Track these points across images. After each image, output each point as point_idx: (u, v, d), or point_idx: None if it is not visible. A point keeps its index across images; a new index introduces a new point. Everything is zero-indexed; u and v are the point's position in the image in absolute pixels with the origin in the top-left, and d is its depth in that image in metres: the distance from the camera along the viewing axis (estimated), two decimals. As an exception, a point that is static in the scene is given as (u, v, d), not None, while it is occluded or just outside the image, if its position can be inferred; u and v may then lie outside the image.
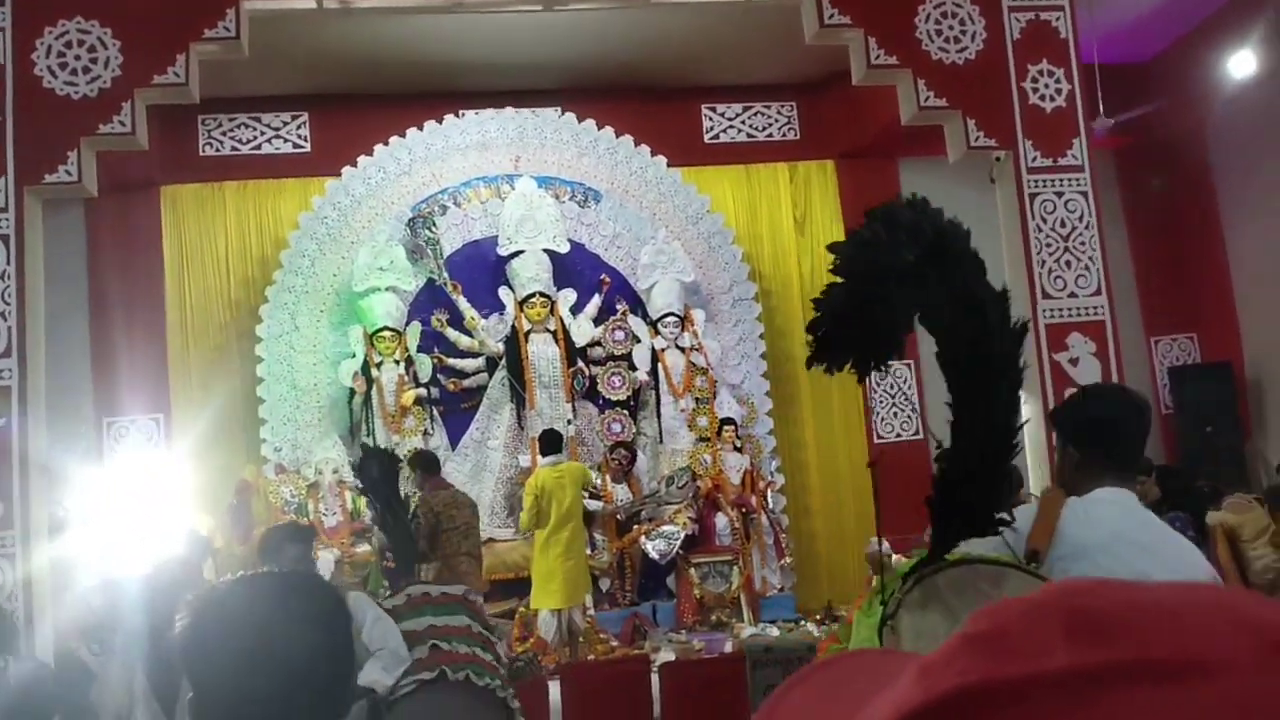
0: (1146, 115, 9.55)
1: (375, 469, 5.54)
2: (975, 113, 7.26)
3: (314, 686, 1.33)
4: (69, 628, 5.97)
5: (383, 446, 7.32)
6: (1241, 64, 8.99)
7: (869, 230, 1.80)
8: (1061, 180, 7.37)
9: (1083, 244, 7.32)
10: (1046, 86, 7.41)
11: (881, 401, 10.34)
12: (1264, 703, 0.30)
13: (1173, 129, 10.20)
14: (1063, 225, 7.31)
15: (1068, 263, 7.26)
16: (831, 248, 1.84)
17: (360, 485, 6.35)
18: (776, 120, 10.69)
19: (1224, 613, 0.33)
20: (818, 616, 8.73)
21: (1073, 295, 7.25)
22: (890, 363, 1.96)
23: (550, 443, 8.06)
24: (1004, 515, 1.94)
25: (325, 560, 8.61)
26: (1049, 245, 7.26)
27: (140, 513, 8.22)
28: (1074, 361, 7.06)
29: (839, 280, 1.83)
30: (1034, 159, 7.33)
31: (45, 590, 5.95)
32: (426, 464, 7.54)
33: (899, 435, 10.29)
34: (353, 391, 9.28)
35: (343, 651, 1.39)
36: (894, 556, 7.96)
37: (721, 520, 9.44)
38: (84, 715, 5.01)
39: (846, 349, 1.98)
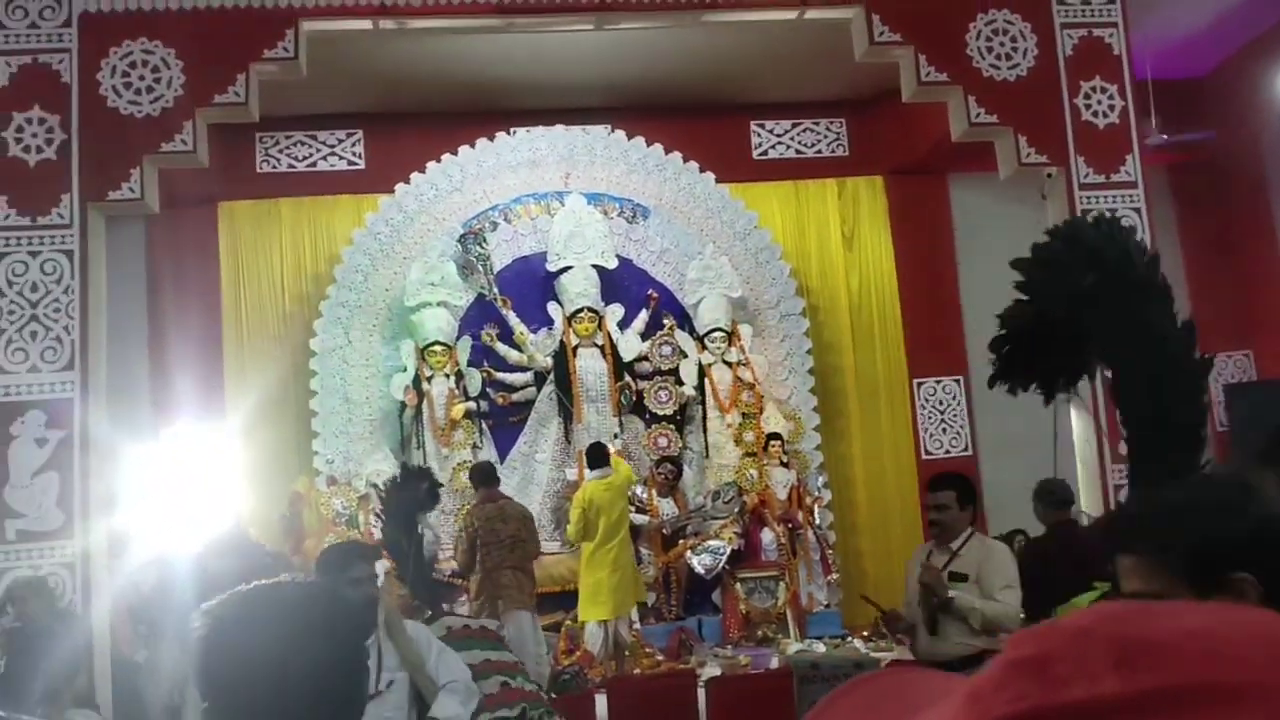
0: (1203, 138, 9.43)
1: (423, 490, 5.53)
2: (1026, 129, 7.23)
3: (325, 699, 1.31)
4: (118, 605, 6.04)
5: (426, 468, 7.35)
6: (1299, 79, 8.86)
7: (1050, 249, 1.75)
8: (1115, 197, 7.30)
9: (1136, 261, 7.25)
10: (1099, 103, 7.37)
11: (930, 418, 10.28)
12: None
13: (1228, 145, 10.07)
14: (1115, 242, 7.25)
15: (1120, 280, 7.19)
16: (1015, 264, 1.78)
17: (382, 506, 6.29)
18: (825, 137, 10.69)
19: (1267, 639, 0.34)
20: (865, 633, 8.68)
21: (1125, 313, 7.18)
22: (1075, 383, 1.85)
23: (597, 456, 8.09)
24: None
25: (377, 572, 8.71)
26: (1101, 262, 7.19)
27: (193, 524, 8.34)
28: (1127, 379, 6.99)
29: (1023, 299, 1.78)
30: (1086, 175, 7.28)
31: (104, 604, 6.06)
32: (483, 476, 7.60)
33: (948, 452, 10.21)
34: (404, 405, 9.40)
35: (353, 667, 1.38)
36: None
37: (768, 536, 9.43)
38: (130, 703, 5.07)
39: (1030, 369, 1.89)
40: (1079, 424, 6.96)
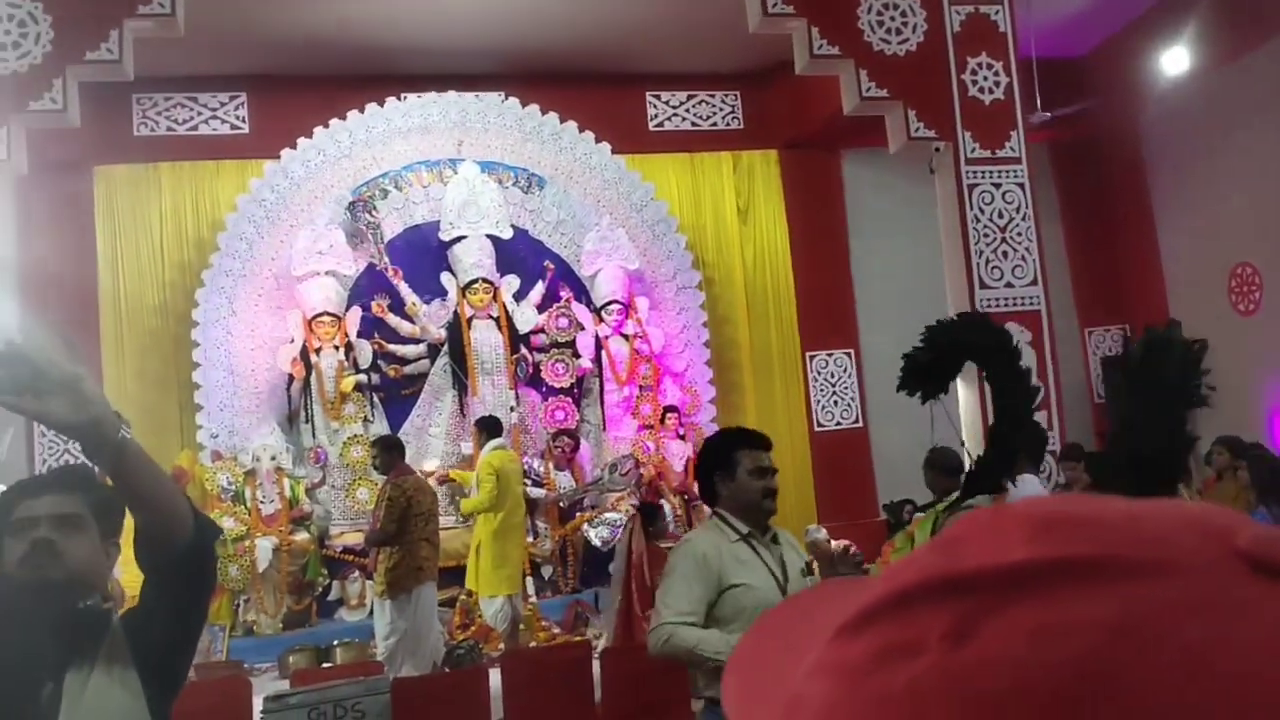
0: (1081, 111, 9.71)
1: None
2: (916, 104, 7.34)
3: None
4: None
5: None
6: (1175, 60, 9.16)
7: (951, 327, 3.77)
8: (999, 172, 7.47)
9: (1019, 235, 7.43)
10: (985, 79, 7.51)
11: (822, 390, 10.43)
12: (1218, 600, 0.31)
13: (1108, 124, 10.38)
14: (1000, 216, 7.42)
15: (1004, 253, 7.37)
16: (927, 330, 3.73)
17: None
18: (720, 109, 10.72)
19: (1187, 521, 0.34)
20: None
21: (1009, 285, 7.37)
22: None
23: (494, 426, 8.06)
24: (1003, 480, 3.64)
25: (263, 548, 8.51)
26: (986, 236, 7.36)
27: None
28: (1010, 351, 7.17)
29: (920, 346, 3.68)
30: (973, 150, 7.43)
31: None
32: (394, 446, 7.40)
33: (839, 424, 10.39)
34: (291, 377, 9.16)
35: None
36: (833, 542, 8.05)
37: (665, 508, 9.46)
38: None
39: (923, 382, 3.63)
40: (965, 399, 7.12)
